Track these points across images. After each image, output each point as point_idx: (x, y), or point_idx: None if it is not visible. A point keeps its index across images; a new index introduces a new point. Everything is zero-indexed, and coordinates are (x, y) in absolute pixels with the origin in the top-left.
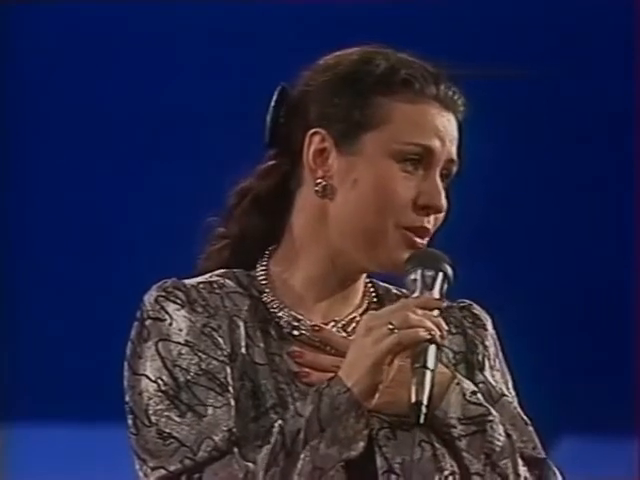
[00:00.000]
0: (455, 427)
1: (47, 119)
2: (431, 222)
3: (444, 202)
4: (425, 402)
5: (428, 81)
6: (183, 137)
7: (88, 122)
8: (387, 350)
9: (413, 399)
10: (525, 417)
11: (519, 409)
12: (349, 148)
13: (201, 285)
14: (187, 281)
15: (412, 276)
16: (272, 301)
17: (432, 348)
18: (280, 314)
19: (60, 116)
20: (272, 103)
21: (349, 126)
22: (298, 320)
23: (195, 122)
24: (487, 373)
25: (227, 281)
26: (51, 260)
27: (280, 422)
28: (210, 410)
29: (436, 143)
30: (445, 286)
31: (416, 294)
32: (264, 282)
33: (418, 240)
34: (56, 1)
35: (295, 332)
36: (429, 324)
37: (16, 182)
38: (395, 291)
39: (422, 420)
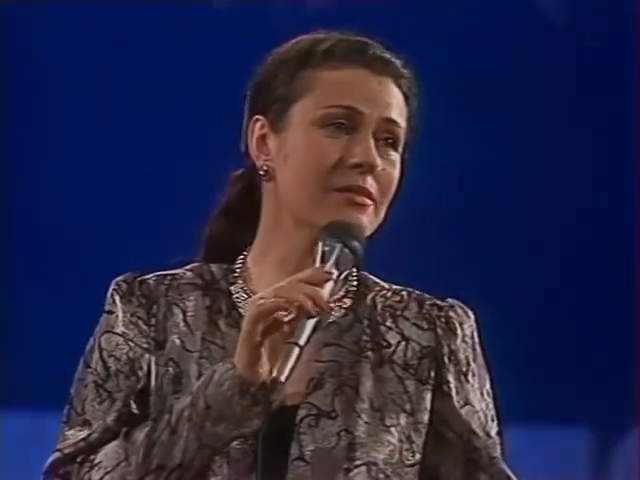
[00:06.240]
0: None
1: (46, 118)
2: (370, 183)
3: (376, 158)
4: (283, 379)
5: (353, 49)
6: (182, 136)
7: (87, 121)
8: (251, 321)
9: (273, 374)
10: (488, 428)
11: (484, 419)
12: (281, 125)
13: (154, 278)
14: (144, 275)
15: (315, 247)
16: (239, 292)
17: (308, 324)
18: (244, 304)
19: (59, 116)
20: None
21: (279, 103)
22: None
23: (195, 122)
24: (451, 378)
25: (189, 273)
26: (50, 251)
27: (173, 401)
28: (121, 394)
29: (360, 104)
30: (349, 258)
31: (316, 265)
32: (237, 275)
33: (359, 199)
34: (56, 1)
35: None
36: (297, 296)
37: (15, 181)
38: (377, 280)
39: (273, 398)
